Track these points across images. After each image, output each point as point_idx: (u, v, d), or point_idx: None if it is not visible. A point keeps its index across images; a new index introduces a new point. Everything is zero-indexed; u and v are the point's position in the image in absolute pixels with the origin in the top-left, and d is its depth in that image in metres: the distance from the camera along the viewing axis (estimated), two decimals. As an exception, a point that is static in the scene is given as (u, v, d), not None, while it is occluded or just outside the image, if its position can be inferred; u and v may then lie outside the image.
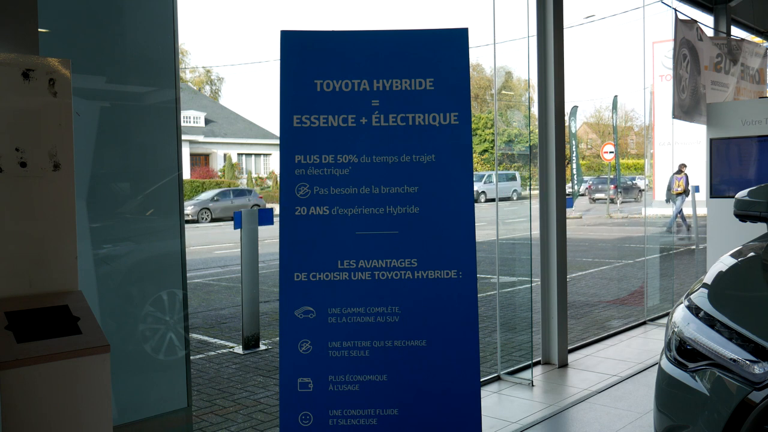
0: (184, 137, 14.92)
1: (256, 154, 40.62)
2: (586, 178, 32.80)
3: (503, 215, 5.80)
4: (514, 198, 22.73)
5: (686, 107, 6.89)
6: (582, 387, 5.05)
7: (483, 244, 9.34)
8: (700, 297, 2.68)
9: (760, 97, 8.19)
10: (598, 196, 30.28)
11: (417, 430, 3.06)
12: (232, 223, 7.49)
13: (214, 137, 38.69)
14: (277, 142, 3.23)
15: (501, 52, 5.27)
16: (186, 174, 33.33)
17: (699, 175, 8.19)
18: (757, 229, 4.17)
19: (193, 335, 7.29)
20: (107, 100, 3.54)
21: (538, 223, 5.63)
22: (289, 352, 3.08)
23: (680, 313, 2.66)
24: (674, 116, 6.79)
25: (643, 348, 6.23)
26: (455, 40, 3.22)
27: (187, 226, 5.08)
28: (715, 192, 6.90)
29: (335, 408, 3.07)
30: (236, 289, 10.05)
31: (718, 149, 6.90)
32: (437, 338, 3.09)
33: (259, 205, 25.74)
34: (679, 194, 15.54)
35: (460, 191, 3.13)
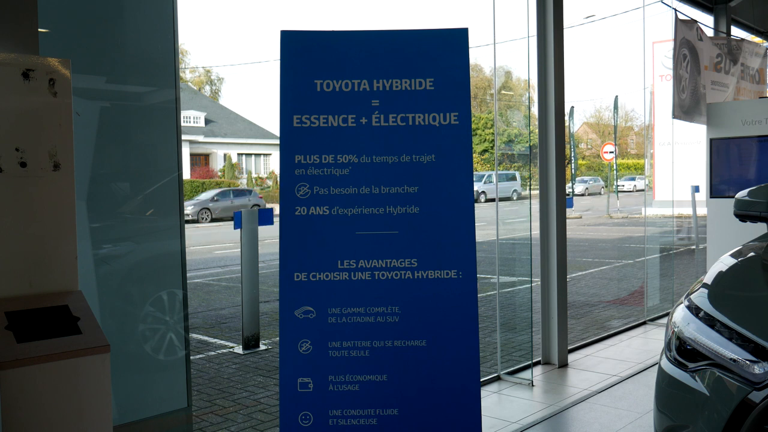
0: (184, 137, 14.91)
1: (256, 154, 40.61)
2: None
3: (503, 215, 5.80)
4: (514, 198, 22.72)
5: (686, 107, 6.89)
6: (582, 387, 5.05)
7: (483, 244, 9.34)
8: (700, 297, 2.68)
9: (760, 97, 8.18)
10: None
11: (417, 430, 3.06)
12: (232, 223, 7.48)
13: (214, 137, 38.69)
14: (277, 142, 3.23)
15: (501, 52, 5.28)
16: (186, 174, 33.33)
17: (699, 175, 8.19)
18: (757, 229, 4.16)
19: (193, 335, 7.29)
20: (107, 100, 3.54)
21: (538, 223, 5.63)
22: (289, 352, 3.08)
23: (680, 313, 2.66)
24: (674, 116, 6.79)
25: (643, 348, 6.23)
26: (455, 40, 3.21)
27: (187, 226, 5.08)
28: (715, 192, 6.90)
29: (335, 408, 3.07)
30: (236, 289, 10.05)
31: (718, 149, 6.89)
32: (437, 338, 3.08)
33: (259, 205, 25.73)
34: None
35: (460, 191, 3.13)
